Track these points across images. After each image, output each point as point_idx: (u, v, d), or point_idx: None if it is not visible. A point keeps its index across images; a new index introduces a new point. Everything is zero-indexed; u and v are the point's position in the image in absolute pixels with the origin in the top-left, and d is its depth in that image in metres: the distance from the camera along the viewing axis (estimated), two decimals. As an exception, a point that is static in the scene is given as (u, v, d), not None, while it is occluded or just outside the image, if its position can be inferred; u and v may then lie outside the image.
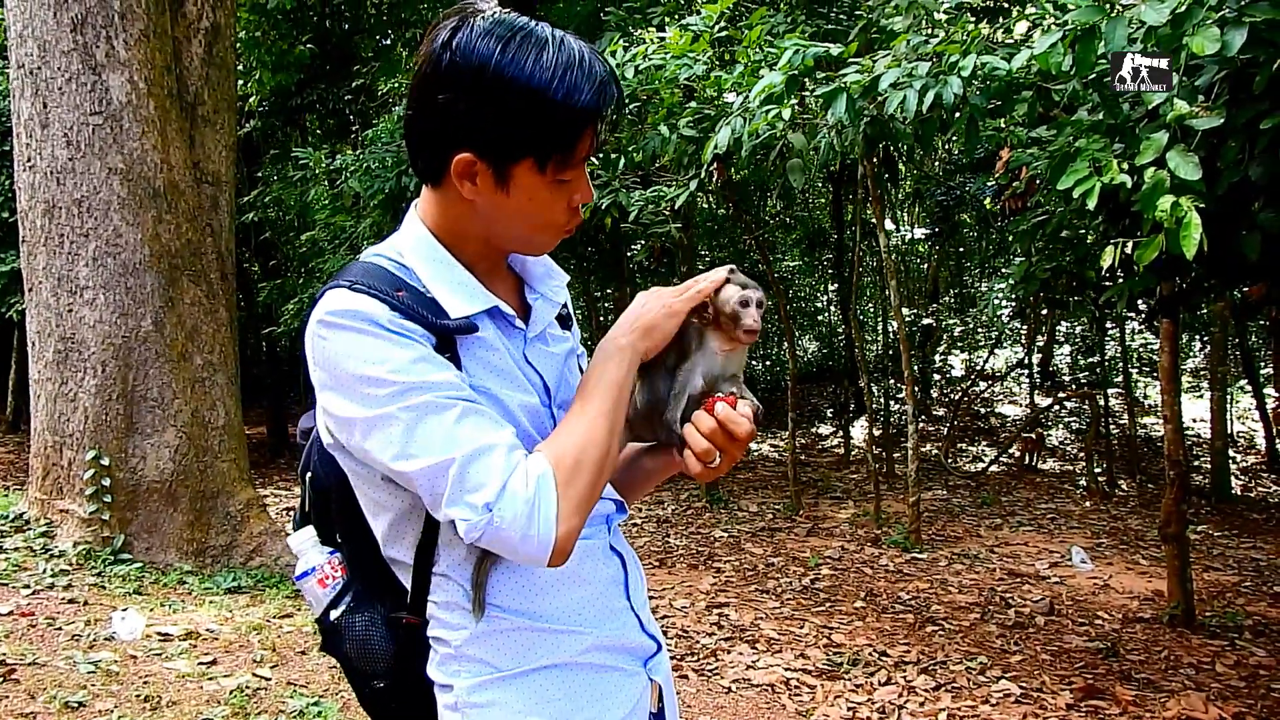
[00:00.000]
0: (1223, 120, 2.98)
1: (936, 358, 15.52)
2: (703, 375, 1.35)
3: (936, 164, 12.99)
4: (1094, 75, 3.41)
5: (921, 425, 11.50)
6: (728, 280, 1.34)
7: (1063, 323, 14.02)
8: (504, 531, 1.11)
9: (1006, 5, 7.35)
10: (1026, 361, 14.38)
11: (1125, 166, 3.11)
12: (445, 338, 1.18)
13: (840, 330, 15.85)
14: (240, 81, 10.53)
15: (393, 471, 1.14)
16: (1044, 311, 12.40)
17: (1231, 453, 11.47)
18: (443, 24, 1.18)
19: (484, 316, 1.25)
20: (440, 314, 1.20)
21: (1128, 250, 3.18)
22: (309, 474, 1.38)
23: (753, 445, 13.14)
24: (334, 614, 1.34)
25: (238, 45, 9.04)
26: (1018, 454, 11.71)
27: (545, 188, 1.20)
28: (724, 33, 5.23)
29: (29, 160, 5.44)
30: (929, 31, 4.20)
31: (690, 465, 1.30)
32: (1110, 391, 12.17)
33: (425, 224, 1.28)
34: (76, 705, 3.59)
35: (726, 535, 7.88)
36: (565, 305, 1.47)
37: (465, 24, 1.16)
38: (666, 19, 7.21)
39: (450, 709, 1.28)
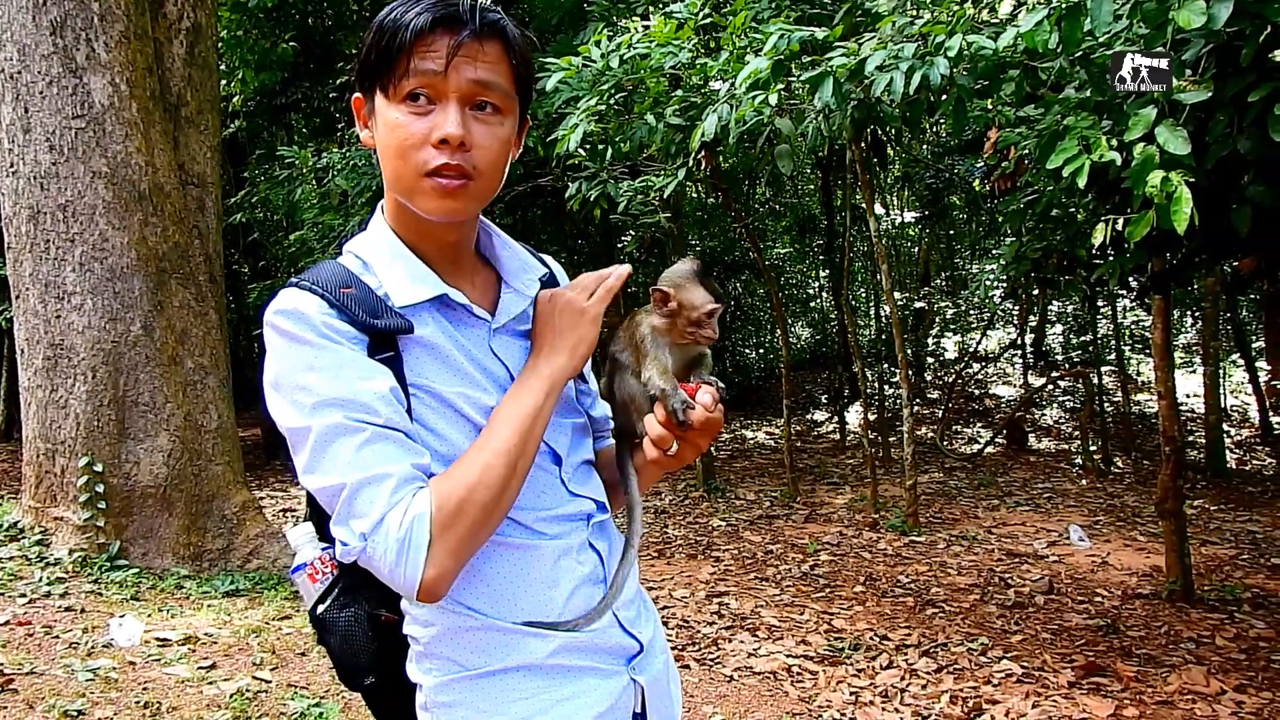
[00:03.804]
0: (1211, 94, 2.96)
1: (929, 341, 15.53)
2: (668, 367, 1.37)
3: (925, 147, 12.97)
4: (1080, 53, 3.40)
5: (916, 409, 11.50)
6: (699, 283, 1.36)
7: (1054, 302, 14.03)
8: (374, 562, 1.13)
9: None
10: (1019, 342, 14.40)
11: (1114, 143, 3.09)
12: (381, 336, 1.19)
13: (833, 316, 15.85)
14: (223, 81, 10.46)
15: (302, 481, 1.17)
16: (1035, 292, 12.39)
17: (1226, 427, 11.50)
18: None
19: (432, 309, 1.26)
20: (382, 313, 1.20)
21: (1119, 227, 3.16)
22: None
23: (747, 433, 13.17)
24: (321, 608, 1.36)
25: (220, 45, 8.98)
26: (1006, 438, 11.73)
27: (393, 111, 1.21)
28: (708, 19, 5.20)
29: (12, 166, 5.40)
30: (914, 13, 4.18)
31: (648, 452, 1.32)
32: (1103, 369, 12.19)
33: (385, 219, 1.32)
34: (76, 714, 3.57)
35: (724, 524, 7.88)
36: None
37: None
38: (650, 7, 7.17)
39: (422, 709, 1.29)
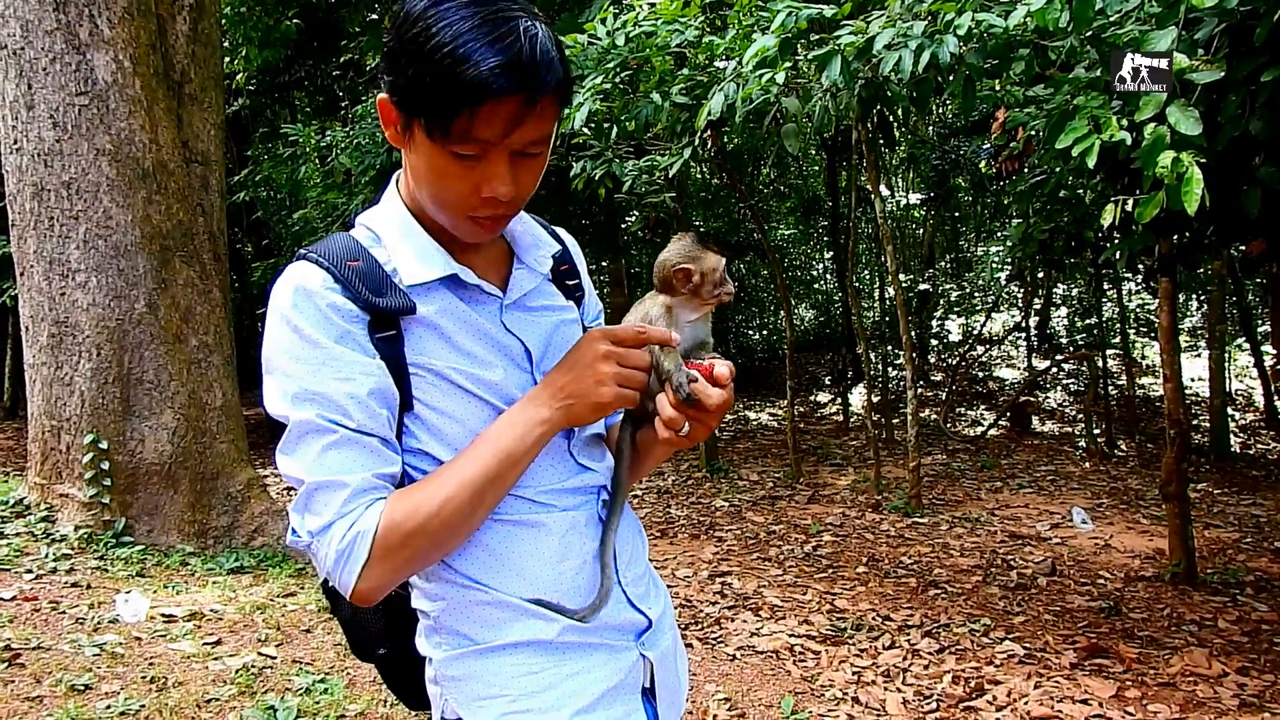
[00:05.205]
0: (1223, 74, 2.94)
1: (934, 323, 15.49)
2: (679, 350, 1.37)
3: (931, 129, 12.90)
4: (1091, 32, 3.37)
5: (920, 391, 11.50)
6: (707, 248, 1.38)
7: (1060, 285, 13.99)
8: (316, 559, 1.17)
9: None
10: (1024, 325, 14.36)
11: (1124, 123, 3.07)
12: (382, 315, 1.19)
13: (837, 298, 15.80)
14: (227, 59, 10.41)
15: (276, 458, 1.20)
16: (1041, 274, 12.36)
17: (1230, 411, 11.48)
18: None
19: (440, 287, 1.24)
20: (386, 291, 1.20)
21: (1128, 208, 3.15)
22: None
23: (751, 414, 13.18)
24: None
25: (223, 22, 8.93)
26: (1009, 420, 11.72)
27: (438, 156, 1.14)
28: (715, -3, 5.17)
29: (15, 143, 5.38)
30: (923, -9, 4.14)
31: (659, 432, 1.29)
32: (1108, 353, 12.16)
33: (400, 193, 1.30)
34: (83, 688, 3.60)
35: (727, 504, 7.90)
36: (578, 278, 1.46)
37: None
38: (656, -15, 7.11)
39: (431, 682, 1.30)
